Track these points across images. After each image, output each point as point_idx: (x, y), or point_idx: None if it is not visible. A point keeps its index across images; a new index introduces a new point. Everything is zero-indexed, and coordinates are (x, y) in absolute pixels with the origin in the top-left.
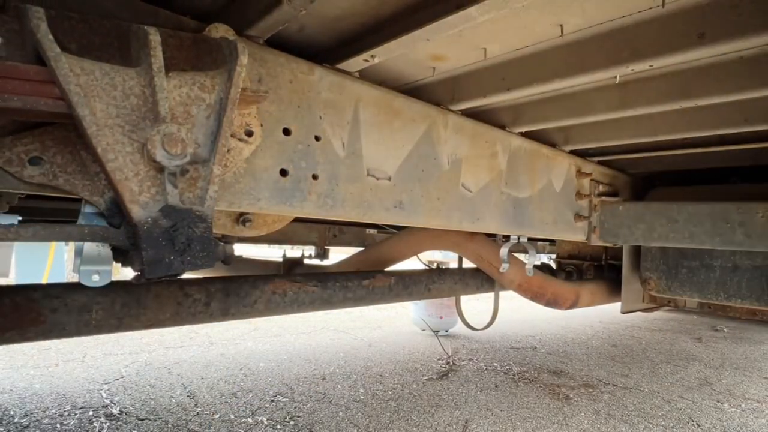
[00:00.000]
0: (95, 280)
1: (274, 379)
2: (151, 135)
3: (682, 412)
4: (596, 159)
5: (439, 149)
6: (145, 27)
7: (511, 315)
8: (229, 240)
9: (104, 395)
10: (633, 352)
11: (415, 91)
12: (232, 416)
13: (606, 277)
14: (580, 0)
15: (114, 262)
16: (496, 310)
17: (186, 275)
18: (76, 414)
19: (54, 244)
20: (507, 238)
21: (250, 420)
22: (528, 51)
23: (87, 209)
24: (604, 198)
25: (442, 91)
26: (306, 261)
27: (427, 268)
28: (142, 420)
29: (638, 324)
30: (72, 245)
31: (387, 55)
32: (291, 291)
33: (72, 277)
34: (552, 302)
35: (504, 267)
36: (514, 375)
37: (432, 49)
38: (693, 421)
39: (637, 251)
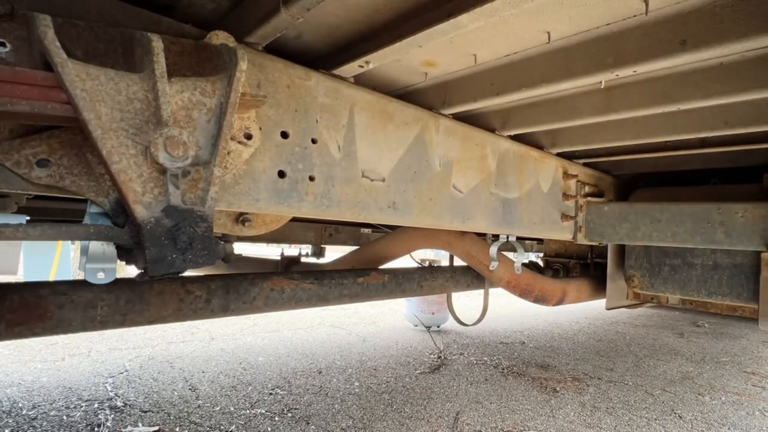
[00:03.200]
0: (100, 278)
1: (273, 373)
2: (154, 138)
3: (665, 405)
4: (582, 161)
5: (431, 152)
6: (148, 34)
7: (500, 311)
8: (229, 239)
9: (109, 388)
10: (617, 347)
11: (408, 95)
12: (232, 408)
13: (591, 274)
14: (566, 8)
15: (118, 261)
16: (485, 307)
17: (188, 273)
18: (82, 406)
19: (60, 243)
20: (496, 237)
21: (249, 412)
22: (516, 57)
23: (92, 209)
24: (589, 198)
25: (434, 95)
26: (303, 259)
27: (420, 266)
28: (146, 412)
29: (622, 320)
30: (78, 244)
31: (381, 61)
32: (288, 288)
33: (78, 275)
34: (540, 299)
35: (494, 265)
36: (503, 369)
37: (424, 55)
38: (675, 413)
39: (621, 250)
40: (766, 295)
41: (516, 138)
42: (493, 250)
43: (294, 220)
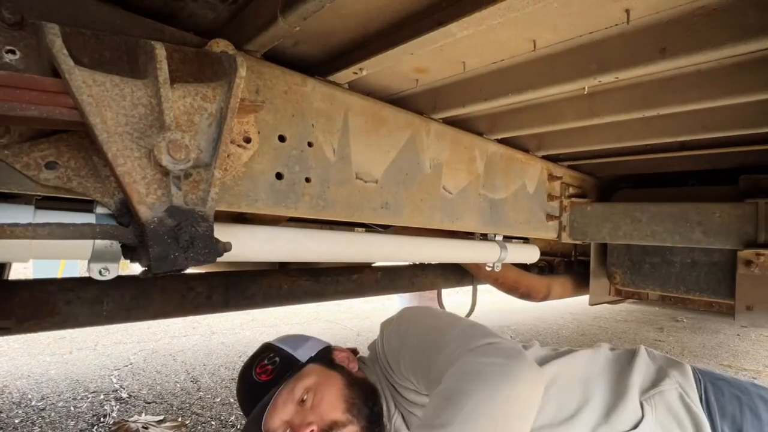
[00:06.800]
0: (104, 275)
1: None
2: (157, 141)
3: None
4: (566, 163)
5: (422, 154)
6: (152, 42)
7: (489, 307)
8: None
9: (114, 380)
10: (600, 341)
11: (400, 101)
12: (231, 400)
13: (575, 271)
14: (551, 17)
15: (123, 258)
16: (474, 303)
17: (189, 270)
18: (88, 398)
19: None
20: (484, 236)
21: None
22: (504, 64)
23: (98, 210)
24: (573, 199)
25: (424, 101)
26: None
27: (411, 263)
28: (149, 403)
29: (605, 315)
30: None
31: (374, 68)
32: (286, 285)
33: (85, 272)
34: (526, 295)
35: (497, 266)
36: None
37: (415, 62)
38: None
39: (603, 248)
40: (741, 291)
41: (503, 141)
42: None
43: (291, 220)
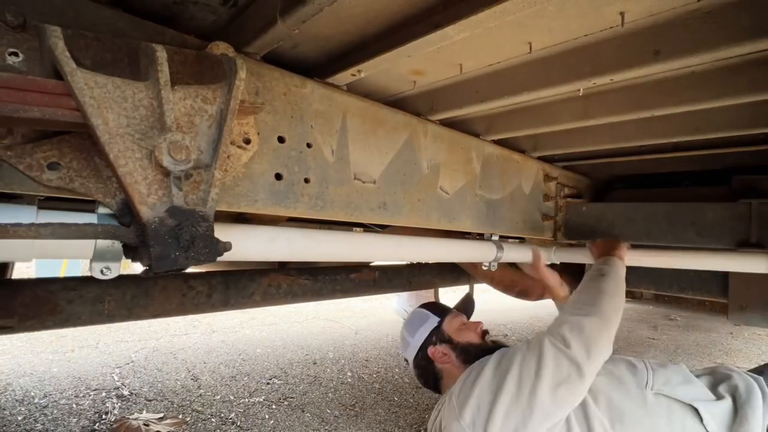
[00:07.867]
0: (106, 274)
1: (270, 364)
2: (158, 143)
3: None
4: (562, 164)
5: (420, 155)
6: (153, 45)
7: (485, 306)
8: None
9: (116, 378)
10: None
11: (398, 102)
12: (231, 397)
13: (570, 271)
14: (547, 20)
15: (124, 258)
16: None
17: (190, 269)
18: (90, 395)
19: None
20: (481, 236)
21: (247, 400)
22: (500, 66)
23: (100, 210)
24: (568, 199)
25: (422, 102)
26: None
27: (408, 263)
28: (150, 401)
29: None
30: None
31: (372, 70)
32: (285, 284)
33: (87, 272)
34: (522, 294)
35: (493, 265)
36: None
37: (413, 64)
38: None
39: None
40: (735, 290)
41: (499, 142)
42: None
43: (290, 219)
